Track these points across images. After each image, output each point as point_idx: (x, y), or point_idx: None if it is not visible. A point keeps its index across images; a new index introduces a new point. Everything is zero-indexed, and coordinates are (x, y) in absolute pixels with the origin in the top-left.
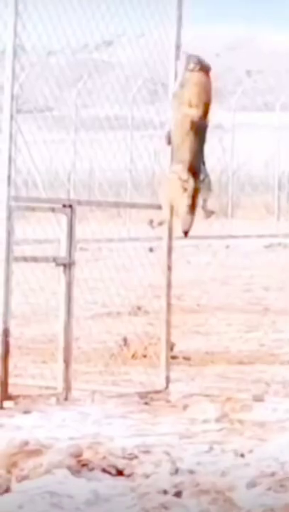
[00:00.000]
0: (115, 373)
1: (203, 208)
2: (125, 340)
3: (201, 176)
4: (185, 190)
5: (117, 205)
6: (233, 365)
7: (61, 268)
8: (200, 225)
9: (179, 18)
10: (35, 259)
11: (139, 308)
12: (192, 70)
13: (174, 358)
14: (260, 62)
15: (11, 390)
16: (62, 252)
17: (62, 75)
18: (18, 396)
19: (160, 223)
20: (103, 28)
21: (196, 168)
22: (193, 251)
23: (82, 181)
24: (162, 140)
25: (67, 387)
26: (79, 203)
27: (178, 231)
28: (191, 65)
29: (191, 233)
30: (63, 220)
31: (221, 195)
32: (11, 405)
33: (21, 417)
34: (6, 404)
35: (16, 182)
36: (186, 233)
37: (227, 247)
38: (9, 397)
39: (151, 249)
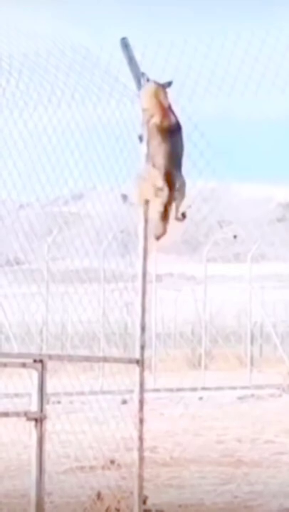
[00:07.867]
0: None
1: (176, 216)
2: (99, 494)
3: (177, 184)
4: (158, 196)
5: (88, 359)
6: None
7: (32, 422)
8: (173, 378)
9: None
10: (6, 414)
11: (112, 461)
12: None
13: (147, 511)
14: (230, 213)
15: None
16: (34, 407)
17: (31, 228)
18: None
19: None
20: (72, 182)
21: (172, 175)
22: (167, 403)
23: (53, 334)
24: (133, 292)
25: None
26: (50, 357)
27: (150, 383)
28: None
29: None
30: (34, 374)
31: (194, 347)
32: None
33: None
34: None
35: None
36: (157, 238)
37: (200, 398)
38: None
39: (124, 402)
